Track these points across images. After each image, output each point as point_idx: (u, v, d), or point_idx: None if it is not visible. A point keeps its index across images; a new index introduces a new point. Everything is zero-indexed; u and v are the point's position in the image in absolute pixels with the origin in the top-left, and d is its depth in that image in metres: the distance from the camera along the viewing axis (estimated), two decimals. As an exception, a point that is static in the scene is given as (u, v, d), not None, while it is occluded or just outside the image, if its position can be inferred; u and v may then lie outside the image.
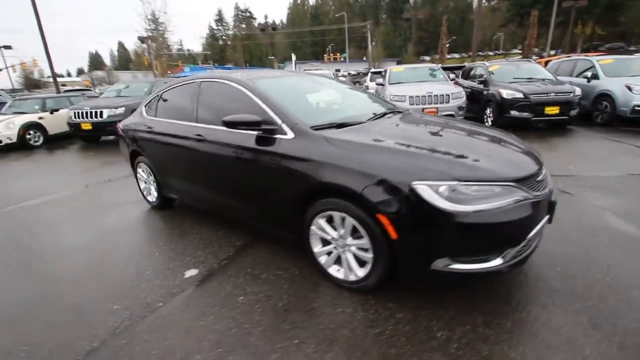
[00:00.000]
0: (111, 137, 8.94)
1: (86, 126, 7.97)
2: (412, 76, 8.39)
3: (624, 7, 32.11)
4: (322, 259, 2.20)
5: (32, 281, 2.48)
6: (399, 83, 8.07)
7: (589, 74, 7.53)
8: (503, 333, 1.71)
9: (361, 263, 2.02)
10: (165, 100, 3.36)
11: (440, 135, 2.27)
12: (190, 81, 3.09)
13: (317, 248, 2.20)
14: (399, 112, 2.89)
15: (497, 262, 1.73)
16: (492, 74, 8.01)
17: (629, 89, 6.45)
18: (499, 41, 58.76)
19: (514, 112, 6.86)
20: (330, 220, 2.07)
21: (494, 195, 1.68)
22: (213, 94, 2.84)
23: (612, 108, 6.77)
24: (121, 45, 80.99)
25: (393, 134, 2.19)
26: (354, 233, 1.97)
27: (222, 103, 2.73)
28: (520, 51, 52.17)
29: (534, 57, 24.37)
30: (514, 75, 7.75)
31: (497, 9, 47.03)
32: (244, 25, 76.42)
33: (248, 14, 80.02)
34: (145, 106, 3.64)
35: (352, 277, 2.06)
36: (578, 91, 6.75)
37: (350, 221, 1.92)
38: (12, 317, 2.07)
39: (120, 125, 3.98)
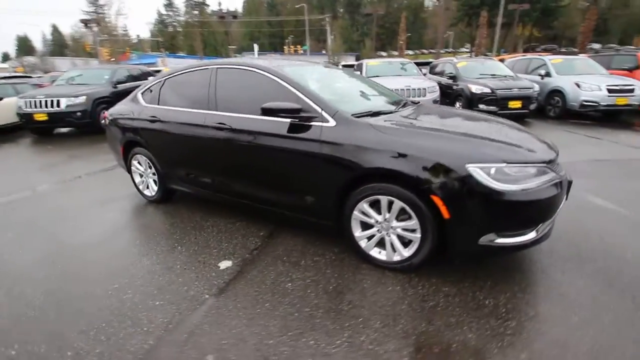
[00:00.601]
0: (66, 130, 8.15)
1: (40, 117, 7.13)
2: (388, 70, 8.67)
3: (556, 12, 36.04)
4: (363, 243, 2.29)
5: (51, 289, 2.25)
6: (377, 76, 8.31)
7: (542, 71, 8.37)
8: (539, 297, 1.95)
9: (404, 244, 2.15)
10: (170, 88, 3.18)
11: (473, 123, 2.45)
12: (202, 68, 2.97)
13: (357, 232, 2.28)
14: (414, 103, 3.04)
15: (532, 235, 1.95)
16: (460, 70, 8.58)
17: (578, 85, 7.30)
18: (449, 39, 62.32)
19: (482, 106, 7.43)
20: (371, 204, 2.16)
21: (532, 175, 1.89)
22: (234, 81, 2.76)
23: (563, 103, 7.62)
24: (55, 29, 72.55)
25: (430, 121, 2.33)
26: (400, 215, 2.09)
27: (248, 91, 2.67)
28: (467, 50, 56.01)
29: (488, 54, 26.29)
30: (479, 71, 8.37)
31: (447, 9, 49.63)
32: (196, 12, 72.36)
33: (200, 1, 75.97)
34: (141, 93, 3.41)
35: (396, 258, 2.18)
36: (537, 87, 7.51)
37: (399, 204, 2.03)
38: (50, 329, 1.88)
39: (107, 114, 3.68)
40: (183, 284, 2.17)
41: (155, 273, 2.31)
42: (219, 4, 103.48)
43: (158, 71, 10.81)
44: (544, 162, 1.96)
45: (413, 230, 2.06)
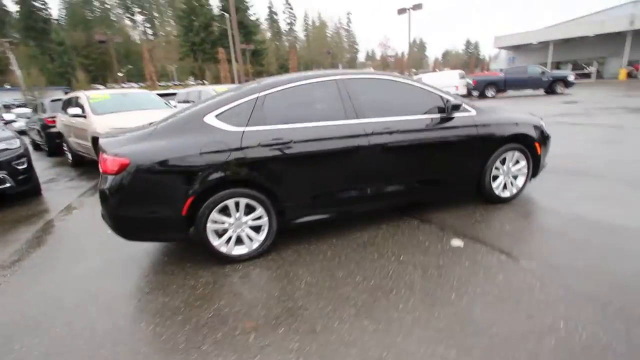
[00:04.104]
0: None
1: None
2: (125, 103, 6.56)
3: (262, 53, 46.73)
4: (497, 190, 3.31)
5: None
6: (112, 112, 6.02)
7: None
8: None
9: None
10: (270, 105, 2.58)
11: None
12: (317, 80, 2.75)
13: (495, 184, 3.29)
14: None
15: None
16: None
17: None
18: (172, 72, 63.30)
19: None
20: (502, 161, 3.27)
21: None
22: (370, 89, 2.87)
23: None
24: None
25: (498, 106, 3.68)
26: (515, 162, 3.33)
27: (389, 97, 2.92)
28: (192, 82, 59.54)
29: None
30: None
31: (169, 42, 50.59)
32: None
33: None
34: (216, 117, 2.46)
35: (506, 194, 3.37)
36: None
37: (520, 154, 3.27)
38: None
39: (124, 162, 2.27)
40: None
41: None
42: None
43: None
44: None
45: (521, 168, 3.36)
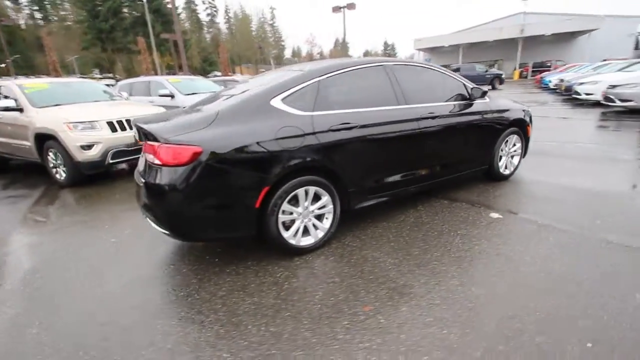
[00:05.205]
0: None
1: None
2: (71, 94, 5.51)
3: (186, 44, 43.32)
4: (502, 169, 3.75)
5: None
6: (57, 105, 5.00)
7: (166, 91, 7.29)
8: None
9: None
10: (327, 90, 2.51)
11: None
12: (368, 65, 2.77)
13: (500, 163, 3.71)
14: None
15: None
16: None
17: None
18: (73, 64, 54.58)
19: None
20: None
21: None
22: (410, 76, 2.98)
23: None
24: None
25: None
26: (514, 144, 3.81)
27: (424, 84, 3.09)
28: (98, 75, 52.16)
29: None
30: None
31: (68, 29, 43.26)
32: None
33: None
34: (282, 101, 2.31)
35: (507, 172, 3.86)
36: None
37: (517, 136, 3.75)
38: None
39: (195, 150, 2.01)
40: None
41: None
42: None
43: None
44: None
45: (517, 150, 3.87)
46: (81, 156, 4.52)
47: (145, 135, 2.16)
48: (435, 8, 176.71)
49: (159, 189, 2.06)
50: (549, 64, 27.75)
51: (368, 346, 1.63)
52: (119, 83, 9.16)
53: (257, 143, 2.13)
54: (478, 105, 3.35)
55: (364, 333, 1.71)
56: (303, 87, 2.42)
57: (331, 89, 2.53)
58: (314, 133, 2.32)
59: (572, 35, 31.10)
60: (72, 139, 4.48)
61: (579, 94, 10.35)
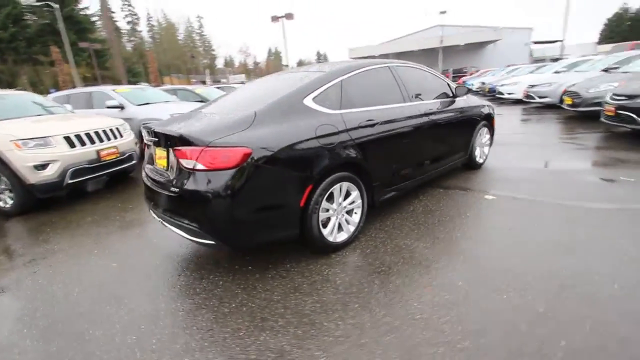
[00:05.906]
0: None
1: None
2: (7, 109, 4.69)
3: (105, 54, 39.25)
4: (477, 158, 4.21)
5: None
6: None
7: (115, 102, 6.58)
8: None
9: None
10: (349, 89, 2.61)
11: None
12: (378, 66, 2.96)
13: (476, 152, 4.17)
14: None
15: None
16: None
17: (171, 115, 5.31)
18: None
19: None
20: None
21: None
22: (410, 76, 3.22)
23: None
24: None
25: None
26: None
27: (421, 83, 3.35)
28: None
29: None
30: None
31: (-49, 37, 36.10)
32: None
33: None
34: (313, 100, 2.34)
35: (481, 161, 4.36)
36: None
37: (486, 129, 4.26)
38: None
39: (246, 151, 1.96)
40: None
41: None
42: None
43: None
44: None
45: (488, 138, 4.39)
46: (34, 178, 3.91)
47: (170, 140, 2.02)
48: (364, 18, 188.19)
49: (204, 196, 1.93)
50: (465, 70, 31.48)
51: (448, 320, 1.75)
52: (52, 95, 8.07)
53: (301, 142, 2.14)
54: (460, 102, 3.74)
55: (438, 309, 1.83)
56: (329, 87, 2.49)
57: (352, 88, 2.64)
58: (346, 130, 2.40)
59: (481, 45, 35.77)
60: (22, 159, 3.87)
61: (502, 93, 11.99)
